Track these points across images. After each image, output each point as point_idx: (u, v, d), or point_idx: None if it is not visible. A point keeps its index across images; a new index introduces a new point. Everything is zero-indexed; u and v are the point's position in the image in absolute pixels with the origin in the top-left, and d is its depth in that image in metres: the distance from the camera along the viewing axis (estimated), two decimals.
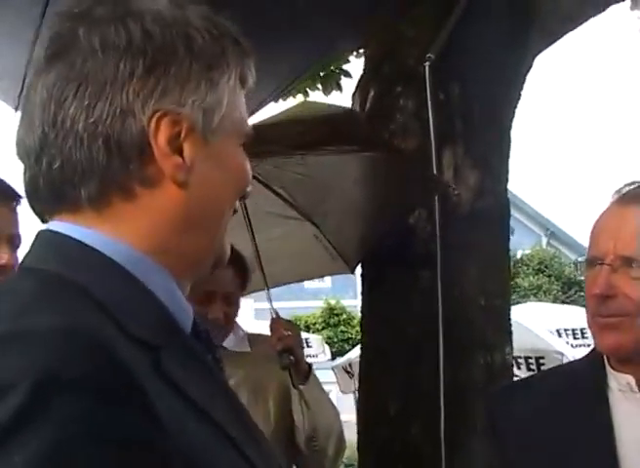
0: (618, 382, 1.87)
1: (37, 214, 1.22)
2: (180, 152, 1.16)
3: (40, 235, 1.19)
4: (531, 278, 24.21)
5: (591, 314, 1.86)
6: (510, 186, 4.24)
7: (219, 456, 1.09)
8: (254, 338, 3.17)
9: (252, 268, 3.20)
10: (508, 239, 4.25)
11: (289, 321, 3.25)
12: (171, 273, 1.19)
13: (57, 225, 1.17)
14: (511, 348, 4.14)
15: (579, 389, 1.93)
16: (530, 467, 1.91)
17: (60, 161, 1.14)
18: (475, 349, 4.02)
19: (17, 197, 2.20)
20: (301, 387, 3.01)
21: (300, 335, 3.16)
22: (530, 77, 4.23)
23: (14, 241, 2.22)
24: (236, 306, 3.04)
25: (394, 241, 4.10)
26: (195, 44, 1.18)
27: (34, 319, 1.01)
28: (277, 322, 3.14)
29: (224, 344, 3.02)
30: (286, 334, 3.04)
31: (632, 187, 1.90)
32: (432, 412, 3.80)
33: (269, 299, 3.40)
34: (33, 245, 1.19)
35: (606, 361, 1.91)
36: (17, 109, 5.03)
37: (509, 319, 4.18)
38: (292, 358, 2.99)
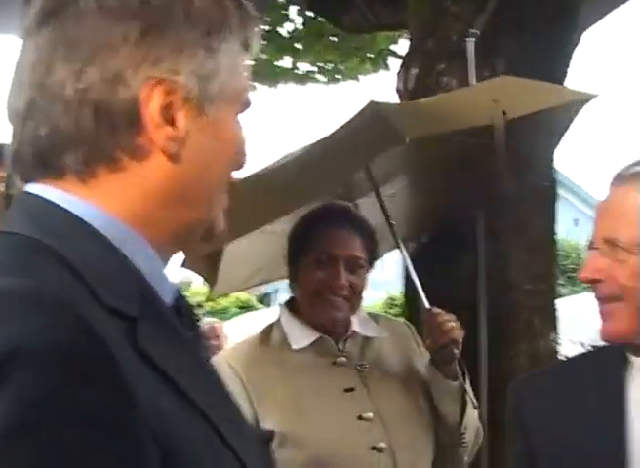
0: (637, 366, 1.80)
1: (22, 180, 1.16)
2: (174, 123, 1.10)
3: (19, 198, 1.13)
4: None
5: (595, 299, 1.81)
6: (574, 177, 4.14)
7: (192, 435, 1.02)
8: (375, 319, 2.88)
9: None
10: (554, 221, 4.12)
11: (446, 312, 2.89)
12: (154, 245, 1.12)
13: (37, 189, 1.11)
14: (557, 335, 4.02)
15: (599, 374, 1.86)
16: (550, 453, 1.86)
17: (46, 127, 1.09)
18: (519, 336, 3.90)
19: None
20: (460, 382, 2.77)
21: (460, 327, 2.79)
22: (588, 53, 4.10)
23: None
24: (362, 279, 2.73)
25: (435, 226, 3.98)
26: (194, 8, 1.12)
27: None
28: (439, 313, 2.79)
29: (356, 329, 2.77)
30: (451, 326, 2.74)
31: (625, 169, 1.82)
32: None
33: (414, 274, 3.17)
34: (12, 208, 1.13)
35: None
36: None
37: (554, 304, 4.05)
38: (456, 351, 2.73)
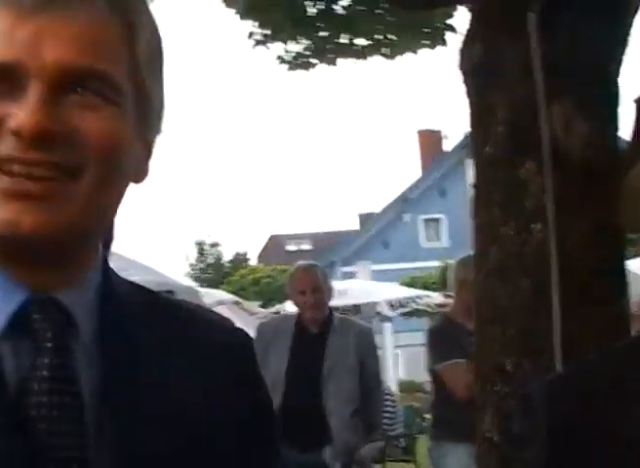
0: None
1: None
2: None
3: None
4: None
5: None
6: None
7: None
8: None
9: None
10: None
11: None
12: None
13: None
14: (627, 300, 4.08)
15: None
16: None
17: None
18: (590, 302, 3.96)
19: None
20: None
21: None
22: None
23: None
24: None
25: (504, 195, 4.06)
26: None
27: None
28: None
29: None
30: None
31: None
32: (549, 368, 3.76)
33: None
34: None
35: None
36: None
37: (623, 270, 4.12)
38: None
